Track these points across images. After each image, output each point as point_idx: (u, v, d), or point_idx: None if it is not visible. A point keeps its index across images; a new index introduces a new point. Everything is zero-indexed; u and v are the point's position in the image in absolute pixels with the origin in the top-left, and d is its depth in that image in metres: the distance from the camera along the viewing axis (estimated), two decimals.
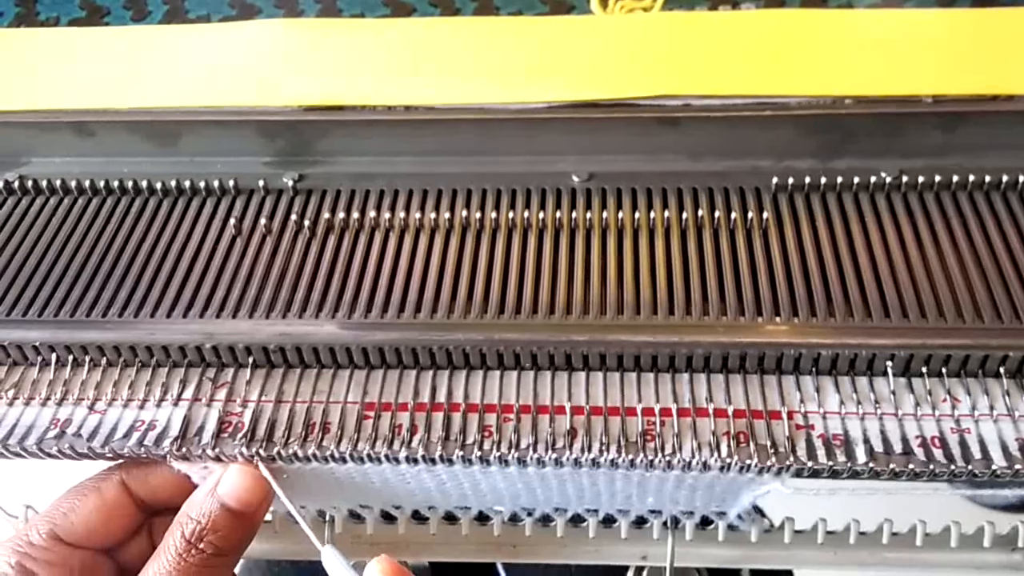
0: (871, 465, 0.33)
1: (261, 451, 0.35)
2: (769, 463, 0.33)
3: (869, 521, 0.41)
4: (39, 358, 0.39)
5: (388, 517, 0.43)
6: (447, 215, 0.42)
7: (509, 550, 0.43)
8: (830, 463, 0.33)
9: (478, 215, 0.42)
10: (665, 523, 0.41)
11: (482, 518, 0.43)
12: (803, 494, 0.35)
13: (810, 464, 0.33)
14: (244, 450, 0.35)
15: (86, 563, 0.36)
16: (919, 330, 0.35)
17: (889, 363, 0.35)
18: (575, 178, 0.44)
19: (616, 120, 0.44)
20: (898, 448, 0.33)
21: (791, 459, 0.33)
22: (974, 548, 0.41)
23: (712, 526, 0.41)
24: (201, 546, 0.34)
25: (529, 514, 0.41)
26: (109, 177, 0.45)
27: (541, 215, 0.42)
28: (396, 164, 0.45)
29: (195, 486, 0.37)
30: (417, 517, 0.43)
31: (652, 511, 0.40)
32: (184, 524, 0.35)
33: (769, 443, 0.34)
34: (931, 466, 0.32)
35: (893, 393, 0.35)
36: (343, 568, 0.36)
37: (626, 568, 0.46)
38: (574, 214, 0.41)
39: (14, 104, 0.47)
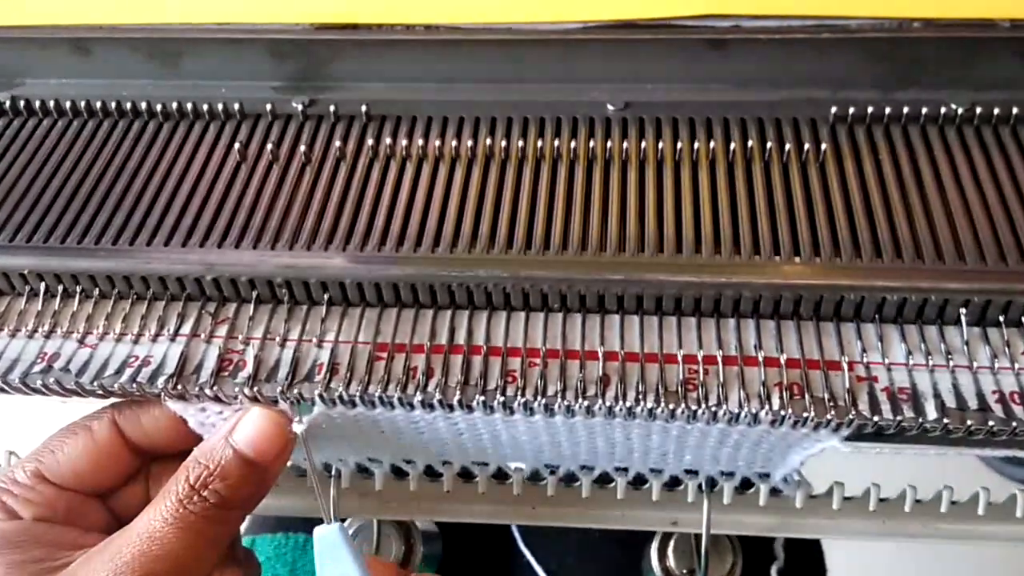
0: (945, 421, 0.29)
1: (263, 392, 0.33)
2: (827, 417, 0.30)
3: (926, 489, 0.38)
4: (27, 287, 0.37)
5: (399, 473, 0.40)
6: (470, 143, 0.39)
7: (528, 511, 0.40)
8: (897, 418, 0.29)
9: (503, 144, 0.38)
10: (700, 486, 0.38)
11: (500, 476, 0.39)
12: (862, 453, 0.32)
13: (874, 419, 0.30)
14: (246, 390, 0.32)
15: (73, 506, 0.34)
16: (997, 274, 0.32)
17: (963, 310, 0.32)
18: (610, 107, 0.40)
19: (656, 43, 0.40)
20: (973, 404, 0.30)
21: (852, 413, 0.30)
22: None
23: (752, 489, 0.37)
24: (205, 493, 0.31)
25: (552, 472, 0.38)
26: (107, 99, 0.42)
27: (572, 145, 0.38)
28: (415, 90, 0.42)
29: (191, 431, 0.35)
30: (430, 475, 0.40)
31: (688, 471, 0.37)
32: (190, 468, 0.32)
33: (827, 396, 0.30)
34: (1012, 423, 0.29)
35: (967, 344, 0.32)
36: (344, 552, 0.32)
37: (648, 534, 0.43)
38: (609, 144, 0.38)
39: (6, 19, 0.44)
